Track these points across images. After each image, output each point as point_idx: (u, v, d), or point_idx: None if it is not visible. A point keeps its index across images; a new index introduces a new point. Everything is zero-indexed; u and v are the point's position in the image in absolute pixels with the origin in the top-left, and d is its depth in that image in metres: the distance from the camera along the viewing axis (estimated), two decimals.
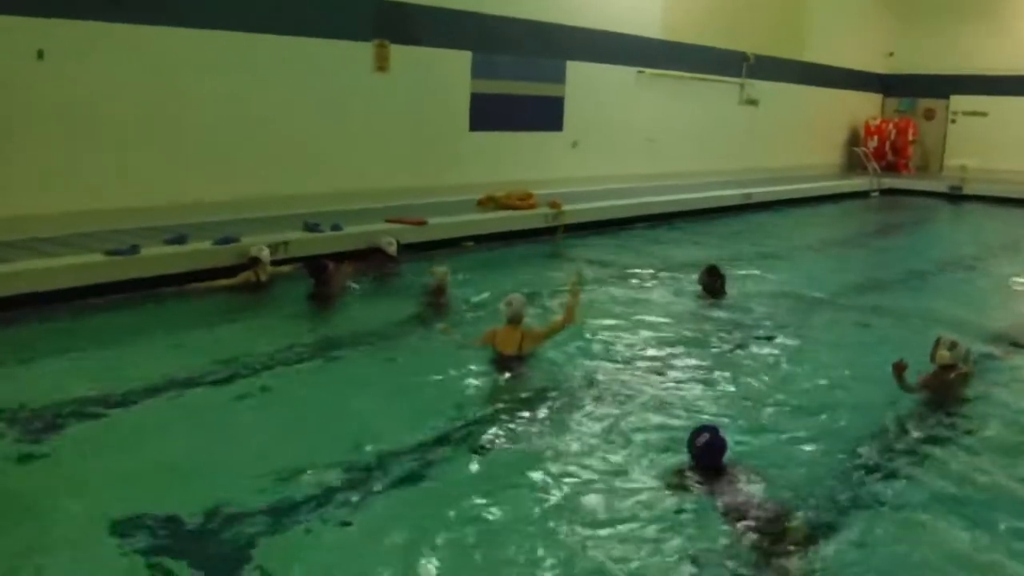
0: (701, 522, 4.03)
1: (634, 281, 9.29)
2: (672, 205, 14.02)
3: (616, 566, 3.68)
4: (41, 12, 8.21)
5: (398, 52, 11.39)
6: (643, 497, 4.24)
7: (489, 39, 12.63)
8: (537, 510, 4.15)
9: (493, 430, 5.05)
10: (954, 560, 3.86)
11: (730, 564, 3.73)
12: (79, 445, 4.73)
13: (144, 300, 7.53)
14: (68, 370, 5.85)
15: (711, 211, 14.64)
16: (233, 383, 5.72)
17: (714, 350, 6.85)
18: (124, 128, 8.94)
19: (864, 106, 22.50)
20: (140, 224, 8.78)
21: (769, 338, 7.26)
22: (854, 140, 22.23)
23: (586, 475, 4.51)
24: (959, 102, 21.88)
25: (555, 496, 4.27)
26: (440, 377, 5.92)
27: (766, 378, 6.16)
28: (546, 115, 13.81)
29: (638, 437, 5.00)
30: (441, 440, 4.89)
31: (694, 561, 3.74)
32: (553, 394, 5.67)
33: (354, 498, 4.18)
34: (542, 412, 5.36)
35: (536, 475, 4.48)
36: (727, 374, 6.22)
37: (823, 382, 6.18)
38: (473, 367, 6.08)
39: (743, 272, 9.71)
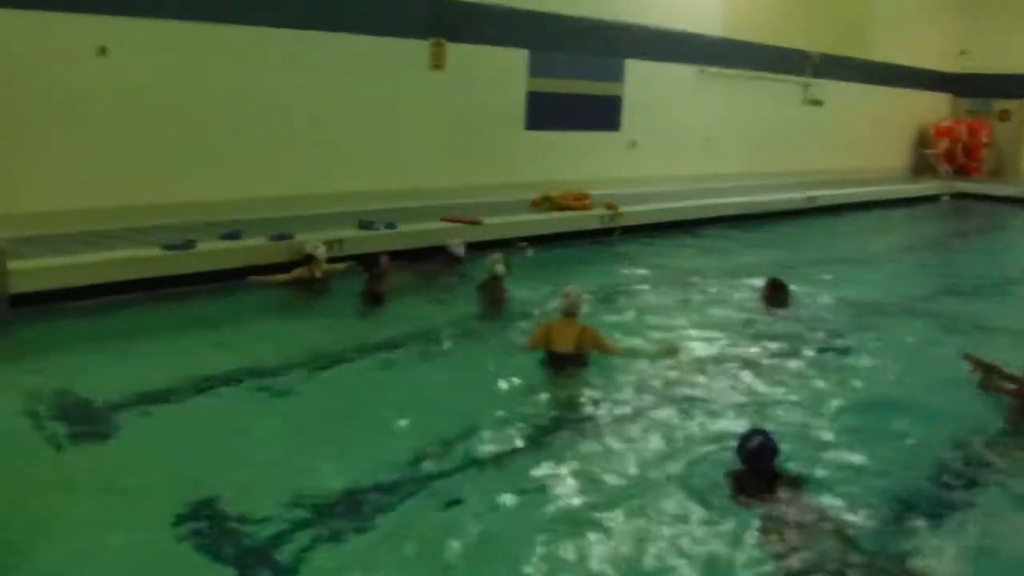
0: (746, 528, 3.88)
1: (693, 286, 9.01)
2: (733, 208, 13.66)
3: (660, 569, 3.59)
4: (103, 9, 8.33)
5: (454, 50, 11.31)
6: (690, 501, 4.14)
7: (547, 37, 12.49)
8: (584, 515, 4.02)
9: (542, 434, 4.90)
10: None
11: (777, 570, 3.57)
12: (127, 441, 4.71)
13: (198, 295, 7.55)
14: (118, 365, 5.86)
15: (773, 214, 14.24)
16: (281, 378, 5.67)
17: (775, 358, 6.56)
18: (181, 123, 9.02)
19: (933, 107, 21.73)
20: (197, 219, 8.85)
21: (832, 347, 6.95)
22: (922, 142, 21.48)
23: (635, 479, 4.39)
24: None
25: (601, 501, 4.15)
26: (489, 378, 5.77)
27: (829, 388, 5.88)
28: (603, 114, 13.60)
29: (692, 443, 4.85)
30: (485, 444, 4.76)
31: (740, 566, 3.62)
32: (606, 396, 5.51)
33: (395, 500, 4.08)
34: (594, 415, 5.22)
35: (584, 480, 4.38)
36: (788, 382, 5.96)
37: (889, 393, 5.87)
38: (524, 368, 5.93)
39: (806, 278, 9.34)
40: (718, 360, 6.40)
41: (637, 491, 4.26)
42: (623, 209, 11.68)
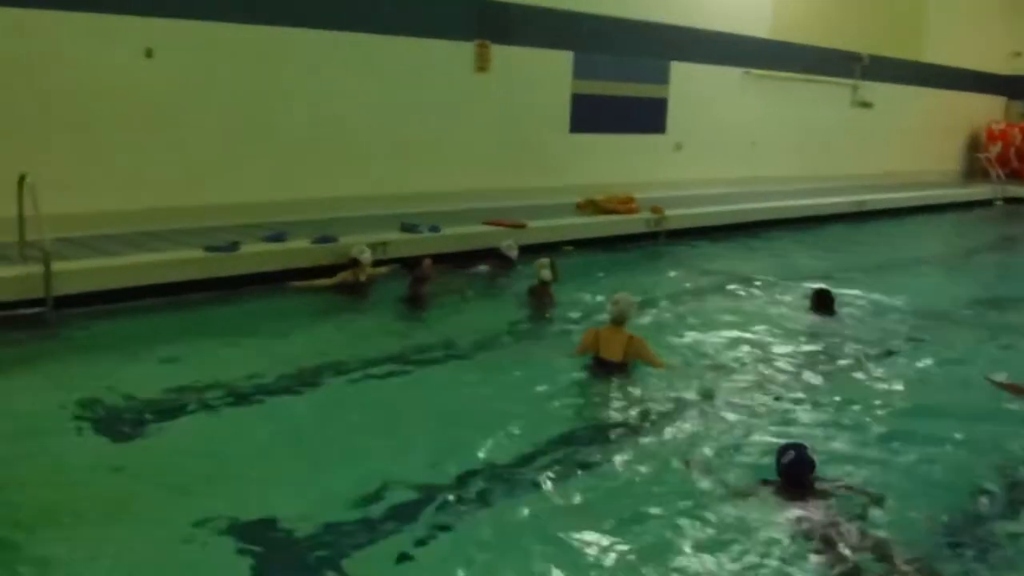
0: (780, 541, 3.77)
1: (740, 291, 8.78)
2: (781, 212, 13.37)
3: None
4: (151, 11, 8.34)
5: (499, 52, 11.20)
6: (728, 510, 4.03)
7: (592, 39, 12.34)
8: (628, 525, 3.89)
9: (585, 444, 4.76)
10: None
11: None
12: (168, 442, 4.66)
13: (241, 298, 7.50)
14: (158, 367, 5.80)
15: (821, 218, 13.91)
16: (326, 385, 5.59)
17: (821, 367, 6.32)
18: (226, 126, 9.01)
19: (986, 109, 21.17)
20: (240, 221, 8.82)
21: (881, 356, 6.67)
22: (974, 145, 20.95)
23: (675, 489, 4.27)
24: None
25: (641, 510, 4.03)
26: (533, 385, 5.62)
27: (872, 401, 5.59)
28: (649, 117, 13.41)
29: (736, 453, 4.70)
30: (531, 451, 4.61)
31: None
32: (649, 404, 5.36)
33: (437, 510, 3.95)
34: (636, 423, 5.07)
35: (623, 486, 4.30)
36: (831, 393, 5.71)
37: (933, 407, 5.56)
38: (569, 374, 5.78)
39: (855, 284, 9.06)
40: (761, 369, 6.18)
41: (674, 497, 4.17)
42: (669, 213, 11.47)
